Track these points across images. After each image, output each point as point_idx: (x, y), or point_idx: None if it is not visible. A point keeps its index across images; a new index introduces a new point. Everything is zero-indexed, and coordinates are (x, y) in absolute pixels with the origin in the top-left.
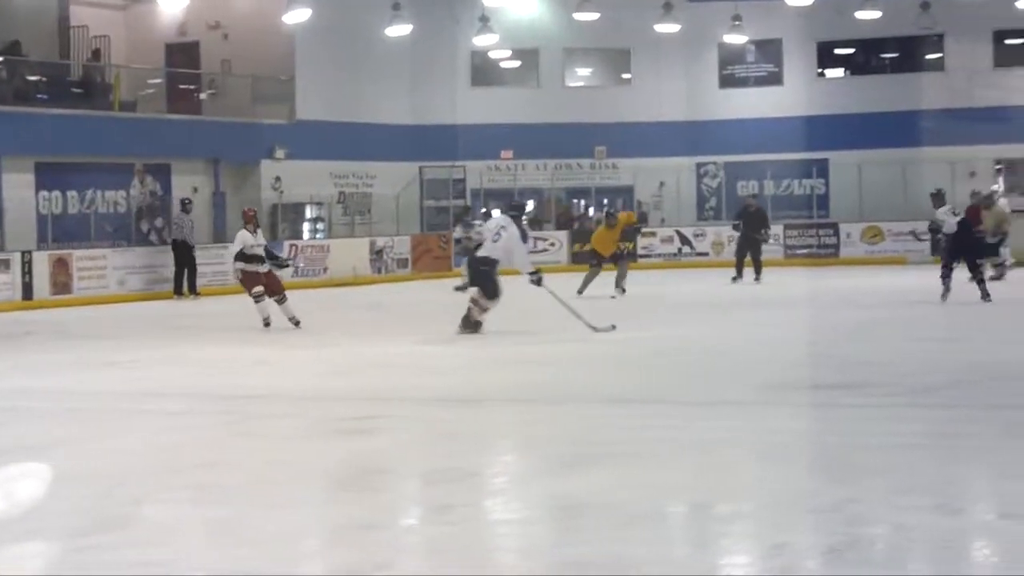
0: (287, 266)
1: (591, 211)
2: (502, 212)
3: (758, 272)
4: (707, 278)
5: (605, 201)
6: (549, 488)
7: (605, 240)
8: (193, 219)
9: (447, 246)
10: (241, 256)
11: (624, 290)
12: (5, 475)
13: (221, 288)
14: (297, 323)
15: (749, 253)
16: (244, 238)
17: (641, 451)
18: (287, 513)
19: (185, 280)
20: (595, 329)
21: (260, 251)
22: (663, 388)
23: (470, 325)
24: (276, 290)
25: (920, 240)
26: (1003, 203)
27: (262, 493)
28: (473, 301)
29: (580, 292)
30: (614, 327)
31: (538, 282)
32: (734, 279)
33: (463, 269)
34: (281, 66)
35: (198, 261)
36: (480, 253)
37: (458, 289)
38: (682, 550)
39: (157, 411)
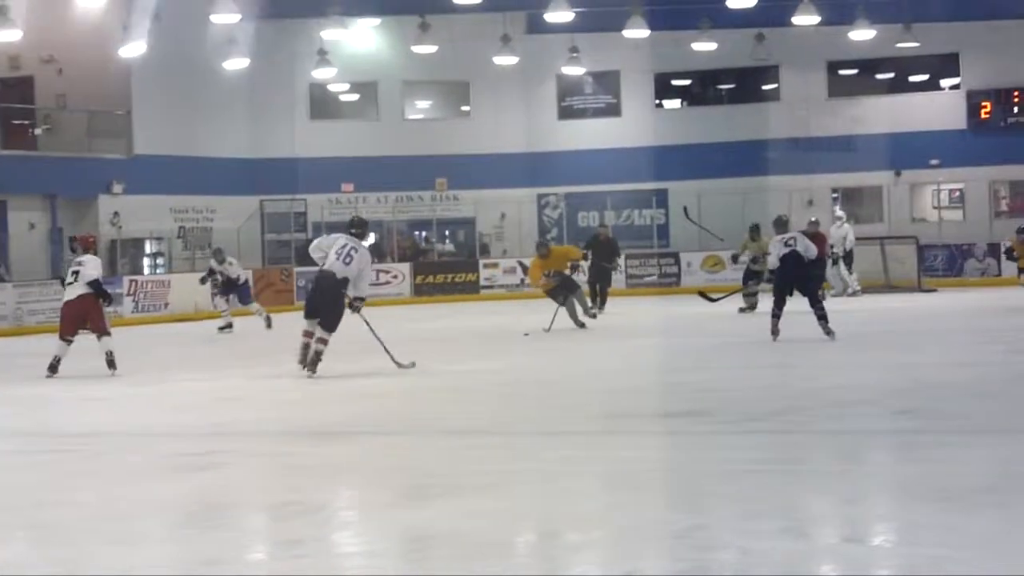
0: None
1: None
2: (348, 232)
3: (602, 303)
4: (548, 308)
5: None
6: (397, 520)
7: (536, 270)
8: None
9: (289, 279)
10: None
11: (591, 317)
12: None
13: (55, 326)
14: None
15: (598, 284)
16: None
17: (487, 482)
18: (132, 550)
19: None
20: (399, 365)
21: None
22: (507, 419)
23: (315, 364)
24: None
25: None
26: (846, 228)
27: (105, 530)
28: (320, 340)
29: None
30: (414, 364)
31: (358, 309)
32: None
33: (220, 304)
34: (118, 100)
35: (35, 298)
36: (329, 269)
37: (223, 330)
38: None
39: None
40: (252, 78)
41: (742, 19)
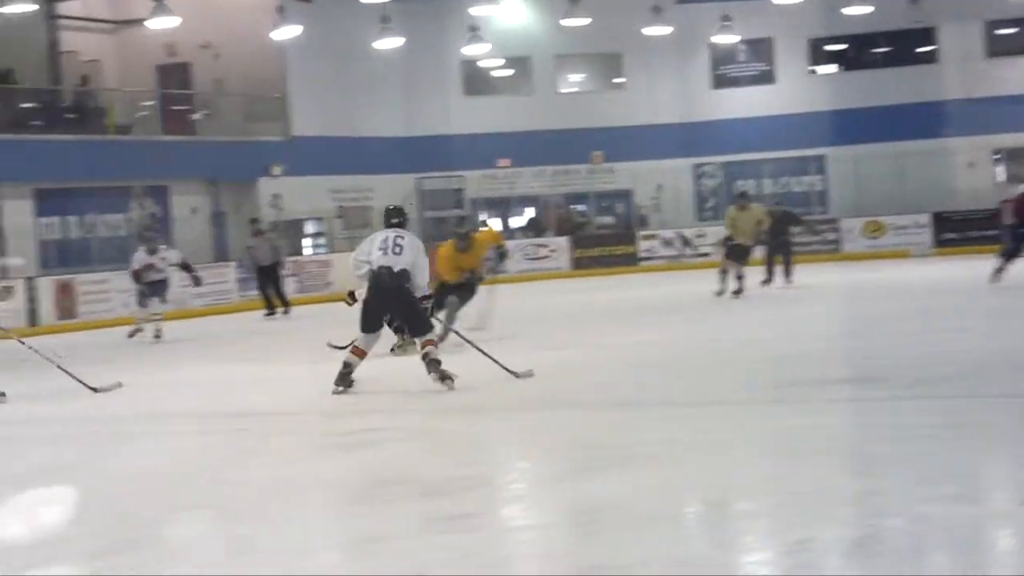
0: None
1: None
2: (386, 226)
3: (788, 274)
4: (710, 279)
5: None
6: (565, 493)
7: (450, 265)
8: (271, 238)
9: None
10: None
11: (448, 333)
12: (22, 501)
13: (222, 307)
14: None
15: (780, 255)
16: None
17: (655, 453)
18: (304, 528)
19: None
20: (515, 374)
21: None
22: (672, 390)
23: (441, 374)
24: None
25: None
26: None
27: (277, 509)
28: (426, 343)
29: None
30: (531, 373)
31: (427, 312)
32: (764, 282)
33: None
34: (274, 83)
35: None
36: (386, 265)
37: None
38: (703, 550)
39: (165, 432)
40: (405, 57)
41: None
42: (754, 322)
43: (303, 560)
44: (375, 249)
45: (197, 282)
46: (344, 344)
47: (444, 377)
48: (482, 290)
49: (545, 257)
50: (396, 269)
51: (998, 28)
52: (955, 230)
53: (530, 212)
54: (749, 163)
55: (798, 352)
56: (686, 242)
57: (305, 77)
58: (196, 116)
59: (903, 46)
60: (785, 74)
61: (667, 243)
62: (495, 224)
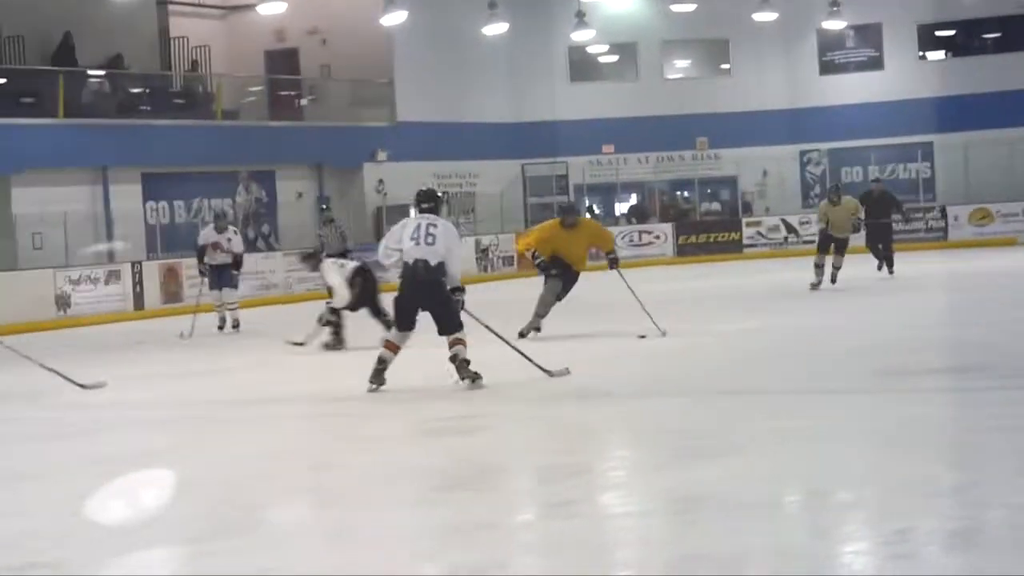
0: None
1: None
2: (418, 211)
3: (889, 265)
4: (807, 267)
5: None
6: (664, 481)
7: (547, 245)
8: (340, 225)
9: None
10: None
11: (538, 321)
12: (125, 483)
13: (319, 293)
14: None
15: (879, 244)
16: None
17: (753, 442)
18: (402, 513)
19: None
20: (549, 373)
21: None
22: (774, 378)
23: (469, 373)
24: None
25: None
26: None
27: (375, 494)
28: (455, 343)
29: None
30: (567, 371)
31: (461, 305)
32: (878, 268)
33: (210, 296)
34: (380, 69)
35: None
36: (422, 258)
37: (297, 344)
38: (802, 539)
39: (262, 416)
40: (511, 43)
41: None
42: (858, 310)
43: (399, 546)
44: (407, 238)
45: (234, 281)
46: (300, 340)
47: (474, 377)
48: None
49: (649, 244)
50: (433, 263)
51: None
52: None
53: (634, 198)
54: (855, 150)
55: (901, 340)
56: (791, 229)
57: (411, 63)
58: (303, 102)
59: (1013, 31)
60: (893, 60)
61: (772, 230)
62: (599, 213)
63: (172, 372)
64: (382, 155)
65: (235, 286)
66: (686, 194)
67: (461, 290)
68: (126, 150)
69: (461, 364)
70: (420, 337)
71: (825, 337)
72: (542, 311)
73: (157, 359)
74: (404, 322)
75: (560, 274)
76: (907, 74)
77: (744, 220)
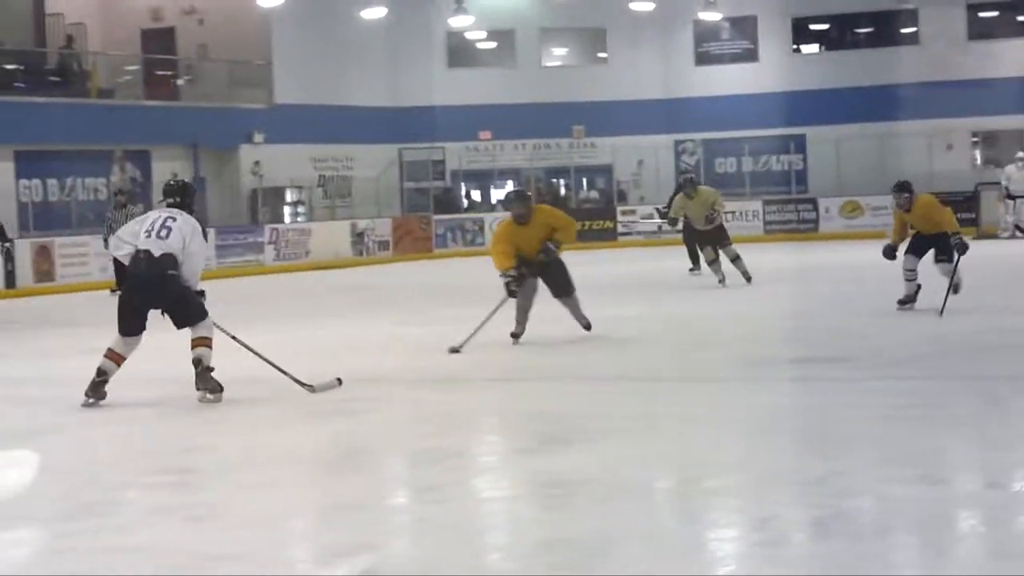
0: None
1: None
2: (165, 203)
3: (695, 261)
4: (681, 255)
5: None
6: (534, 465)
7: (501, 247)
8: (132, 212)
9: (427, 228)
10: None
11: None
12: None
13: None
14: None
15: (706, 245)
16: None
17: (624, 428)
18: (272, 495)
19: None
20: (304, 386)
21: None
22: (644, 366)
23: (208, 382)
24: None
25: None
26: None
27: (246, 476)
28: (198, 343)
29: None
30: (339, 382)
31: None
32: (691, 271)
33: None
34: (257, 50)
35: None
36: (145, 248)
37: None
38: (669, 524)
39: (136, 398)
40: (389, 27)
41: None
42: (730, 300)
43: (267, 527)
44: (141, 231)
45: None
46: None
47: (214, 389)
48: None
49: None
50: (156, 254)
51: (980, 11)
52: None
53: (510, 185)
54: (729, 141)
55: (771, 330)
56: (666, 218)
57: (289, 44)
58: (179, 82)
59: (885, 27)
60: (768, 53)
61: (646, 218)
62: (477, 201)
63: (42, 351)
64: (259, 137)
65: None
66: (562, 182)
67: (200, 294)
68: None
69: (203, 372)
70: (297, 323)
71: (698, 326)
72: (521, 319)
73: (27, 338)
74: (127, 325)
75: (533, 273)
76: (781, 66)
77: (619, 208)
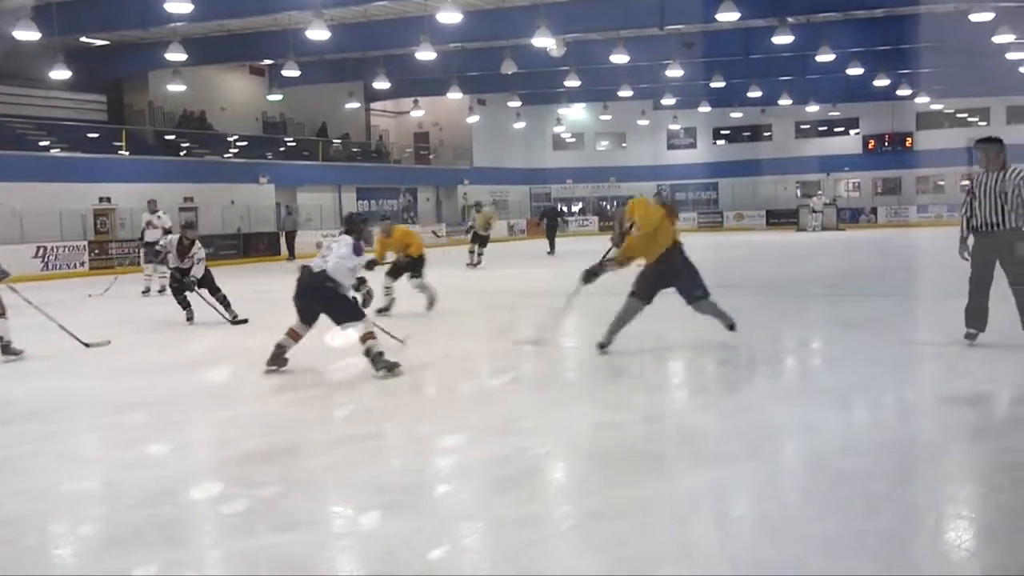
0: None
1: None
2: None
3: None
4: None
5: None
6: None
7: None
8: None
9: (540, 225)
10: None
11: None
12: None
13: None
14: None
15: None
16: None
17: None
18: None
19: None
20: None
21: None
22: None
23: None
24: None
25: None
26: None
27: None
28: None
29: None
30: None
31: None
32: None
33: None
34: (465, 139)
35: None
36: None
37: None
38: None
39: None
40: (527, 131)
41: None
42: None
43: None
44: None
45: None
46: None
47: (391, 367)
48: None
49: None
50: (315, 270)
51: (802, 124)
52: None
53: (580, 205)
54: (682, 185)
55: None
56: None
57: (480, 137)
58: (430, 156)
59: (755, 131)
60: (701, 143)
61: None
62: None
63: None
64: (466, 181)
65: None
66: (614, 203)
67: (360, 281)
68: (348, 178)
69: (376, 357)
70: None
71: None
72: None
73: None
74: (301, 316)
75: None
76: (707, 150)
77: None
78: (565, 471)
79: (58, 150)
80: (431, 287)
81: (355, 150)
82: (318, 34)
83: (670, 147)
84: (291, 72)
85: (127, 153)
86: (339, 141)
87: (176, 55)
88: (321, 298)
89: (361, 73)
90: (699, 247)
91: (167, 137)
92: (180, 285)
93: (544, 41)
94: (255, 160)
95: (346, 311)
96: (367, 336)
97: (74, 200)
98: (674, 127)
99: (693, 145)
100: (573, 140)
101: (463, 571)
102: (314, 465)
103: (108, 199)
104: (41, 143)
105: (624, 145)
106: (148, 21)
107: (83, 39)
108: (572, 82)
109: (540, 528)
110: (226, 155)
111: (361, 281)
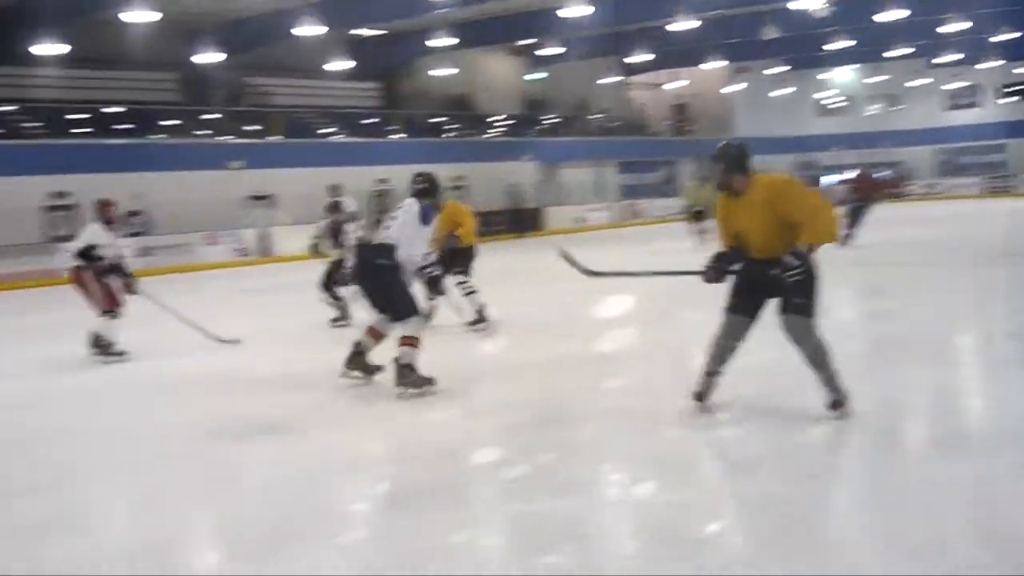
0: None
1: None
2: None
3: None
4: None
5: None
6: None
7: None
8: None
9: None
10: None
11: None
12: None
13: None
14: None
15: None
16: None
17: None
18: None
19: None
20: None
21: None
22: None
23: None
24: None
25: None
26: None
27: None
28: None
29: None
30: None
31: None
32: None
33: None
34: (724, 110)
35: None
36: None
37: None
38: None
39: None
40: (793, 97)
41: None
42: None
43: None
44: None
45: None
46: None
47: (421, 383)
48: None
49: None
50: (375, 243)
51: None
52: None
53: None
54: None
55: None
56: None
57: (744, 108)
58: (688, 127)
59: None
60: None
61: None
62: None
63: None
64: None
65: None
66: None
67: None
68: (605, 152)
69: (401, 369)
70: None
71: None
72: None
73: None
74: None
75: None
76: None
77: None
78: (856, 449)
79: (340, 137)
80: (479, 295)
81: (616, 123)
82: (578, 10)
83: (951, 107)
84: (551, 51)
85: (404, 136)
86: (599, 115)
87: (444, 40)
88: (374, 280)
89: (618, 48)
90: (984, 215)
91: (431, 120)
92: (337, 279)
93: (809, 1)
94: (518, 138)
95: (403, 303)
96: (409, 340)
97: (352, 182)
98: (953, 86)
99: (975, 104)
100: (843, 103)
101: (734, 550)
102: (584, 436)
103: (386, 180)
104: (321, 131)
105: (898, 107)
106: (417, 9)
107: (358, 32)
108: (841, 43)
109: (794, 507)
110: (487, 134)
111: (433, 281)
